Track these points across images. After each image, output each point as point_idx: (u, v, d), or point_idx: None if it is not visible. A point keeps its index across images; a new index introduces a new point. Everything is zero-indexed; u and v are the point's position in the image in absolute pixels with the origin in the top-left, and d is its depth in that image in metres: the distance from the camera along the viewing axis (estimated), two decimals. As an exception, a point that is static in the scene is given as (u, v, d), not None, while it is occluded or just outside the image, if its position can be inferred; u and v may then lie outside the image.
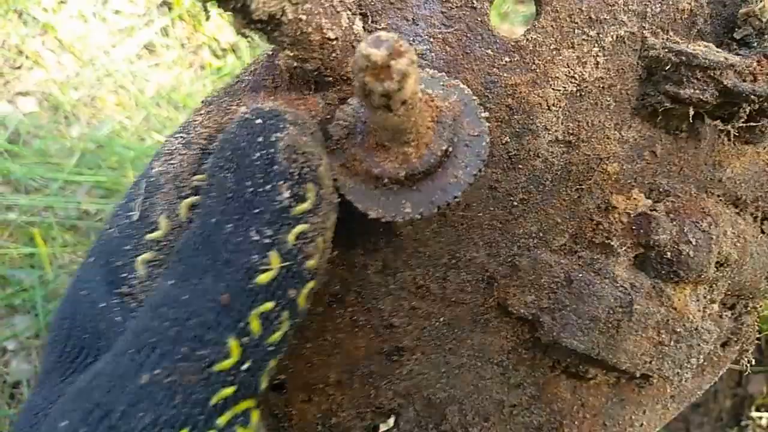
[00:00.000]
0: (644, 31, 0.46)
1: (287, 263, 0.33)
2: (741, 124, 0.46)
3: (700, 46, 0.44)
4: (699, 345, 0.48)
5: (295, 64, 0.41)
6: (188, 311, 0.32)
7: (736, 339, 0.58)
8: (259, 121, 0.35)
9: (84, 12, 1.67)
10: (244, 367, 0.32)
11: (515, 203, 0.47)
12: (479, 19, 0.46)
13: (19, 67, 1.63)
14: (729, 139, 0.49)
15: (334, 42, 0.40)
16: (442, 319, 0.49)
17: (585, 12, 0.46)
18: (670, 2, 0.47)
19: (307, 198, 0.33)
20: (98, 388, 0.31)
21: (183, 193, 0.41)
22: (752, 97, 0.43)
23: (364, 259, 0.47)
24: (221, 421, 0.31)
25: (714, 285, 0.50)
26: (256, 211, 0.33)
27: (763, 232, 0.54)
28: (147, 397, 0.30)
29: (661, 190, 0.49)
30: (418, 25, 0.46)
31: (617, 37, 0.46)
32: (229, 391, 0.31)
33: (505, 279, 0.48)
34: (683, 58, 0.43)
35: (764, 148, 0.51)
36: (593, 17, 0.46)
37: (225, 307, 0.31)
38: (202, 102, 0.49)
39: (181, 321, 0.31)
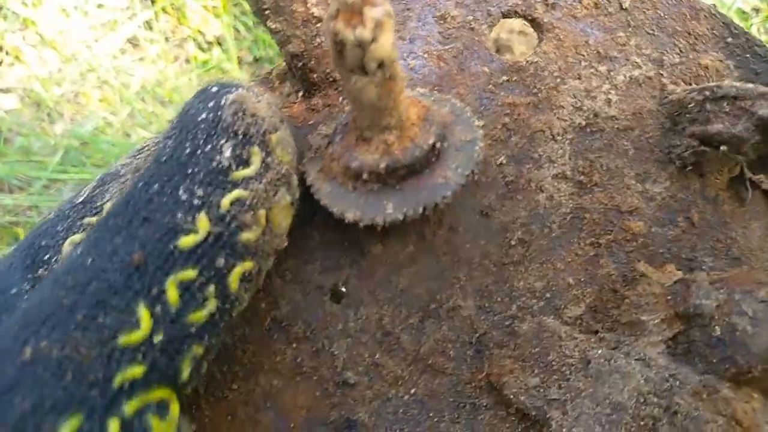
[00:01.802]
0: (662, 78, 0.43)
1: (218, 229, 0.28)
2: None
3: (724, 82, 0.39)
4: None
5: (280, 48, 0.40)
6: (91, 275, 0.26)
7: None
8: (214, 89, 0.32)
9: (65, 6, 1.63)
10: (157, 342, 0.26)
11: (513, 242, 0.40)
12: (476, 38, 0.44)
13: (-1, 63, 1.59)
14: None
15: (317, 24, 0.38)
16: (413, 391, 0.38)
17: (592, 46, 0.44)
18: (690, 56, 0.43)
19: (250, 163, 0.30)
20: None
21: None
22: None
23: (320, 279, 0.39)
24: (128, 408, 0.25)
25: None
26: (190, 170, 0.29)
27: None
28: (29, 378, 0.24)
29: (703, 269, 0.39)
30: (414, 43, 0.44)
31: (631, 78, 0.43)
32: (137, 370, 0.26)
33: (499, 348, 0.38)
34: (707, 93, 0.38)
35: None
36: (602, 53, 0.44)
37: (137, 268, 0.26)
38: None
39: (80, 288, 0.26)
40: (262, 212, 0.30)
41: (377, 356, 0.39)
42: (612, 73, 0.43)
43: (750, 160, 0.39)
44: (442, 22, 0.45)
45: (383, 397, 0.38)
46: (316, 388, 0.39)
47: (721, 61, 0.43)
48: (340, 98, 0.42)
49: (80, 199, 0.37)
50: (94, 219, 0.35)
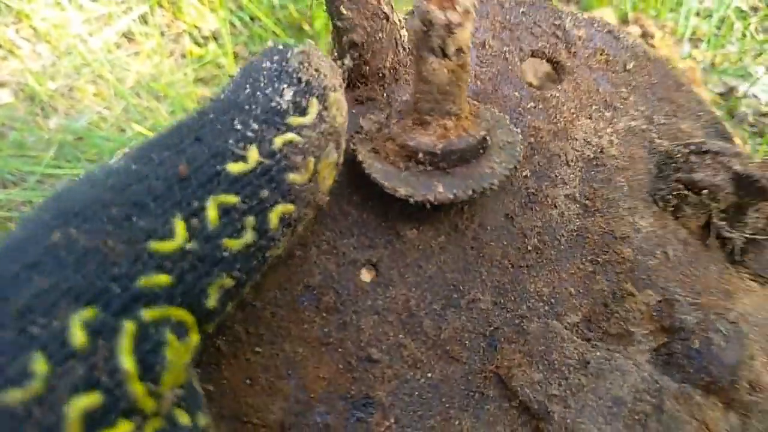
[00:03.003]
0: (652, 133, 0.50)
1: (267, 163, 0.28)
2: (749, 235, 0.45)
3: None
4: None
5: (342, 35, 0.42)
6: (132, 178, 0.25)
7: None
8: (281, 46, 0.33)
9: (60, -1, 1.62)
10: (188, 258, 0.25)
11: (529, 247, 0.44)
12: (510, 67, 0.50)
13: (-7, 57, 1.58)
14: (735, 266, 0.47)
15: (383, 20, 0.41)
16: (430, 375, 0.40)
17: (601, 94, 0.51)
18: (672, 120, 0.51)
19: (308, 112, 0.30)
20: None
21: None
22: (762, 183, 0.41)
23: (354, 254, 0.41)
24: (147, 314, 0.23)
25: (747, 418, 0.40)
26: (247, 107, 0.29)
27: None
28: (51, 259, 0.22)
29: (674, 299, 0.44)
30: None
31: (629, 127, 0.50)
32: (163, 278, 0.24)
33: (510, 344, 0.41)
34: (692, 147, 0.45)
35: None
36: (608, 101, 0.50)
37: (180, 180, 0.26)
38: None
39: (120, 187, 0.25)
40: (311, 160, 0.30)
41: (401, 336, 0.40)
42: (615, 120, 0.50)
43: (718, 211, 0.46)
44: (480, 48, 0.50)
45: (402, 377, 0.40)
46: (339, 360, 0.39)
47: (695, 130, 0.51)
48: (384, 94, 0.46)
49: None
50: None
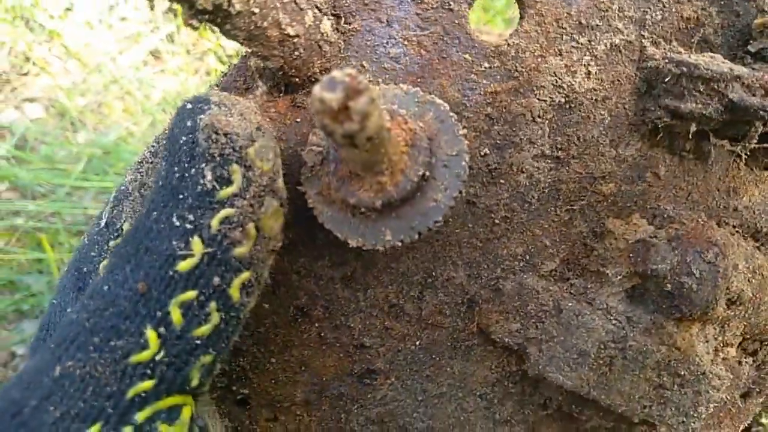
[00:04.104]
0: (643, 40, 0.43)
1: (210, 249, 0.31)
2: (755, 146, 0.41)
3: (704, 56, 0.40)
4: (708, 392, 0.43)
5: (260, 62, 0.40)
6: (106, 302, 0.30)
7: (759, 390, 0.51)
8: (189, 105, 0.34)
9: (90, 19, 1.68)
10: (164, 359, 0.30)
11: (497, 221, 0.44)
12: (456, 21, 0.43)
13: (26, 74, 1.64)
14: (745, 164, 0.45)
15: (296, 39, 0.38)
16: (418, 343, 0.46)
17: (574, 17, 0.42)
18: (673, 9, 0.43)
19: (232, 181, 0.31)
20: (17, 385, 0.30)
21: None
22: (761, 113, 0.38)
23: (331, 272, 0.44)
24: (140, 416, 0.29)
25: (726, 325, 0.45)
26: (180, 196, 0.31)
27: None
28: (59, 390, 0.29)
29: (665, 216, 0.44)
30: (392, 26, 0.43)
31: (611, 46, 0.43)
32: (147, 384, 0.30)
33: (487, 303, 0.44)
34: (684, 69, 0.39)
35: None
36: (583, 23, 0.42)
37: (142, 295, 0.30)
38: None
39: (98, 312, 0.30)
40: (250, 225, 0.32)
41: (386, 323, 0.45)
42: (593, 44, 0.43)
43: (716, 129, 0.42)
44: (419, 1, 0.43)
45: (394, 349, 0.46)
46: (339, 351, 0.46)
47: (703, 9, 0.43)
48: None
49: (103, 223, 0.41)
50: (119, 240, 0.39)
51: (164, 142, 0.34)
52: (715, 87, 0.39)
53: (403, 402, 0.47)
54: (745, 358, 0.49)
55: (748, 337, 0.48)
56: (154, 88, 1.62)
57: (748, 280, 0.44)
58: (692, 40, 0.43)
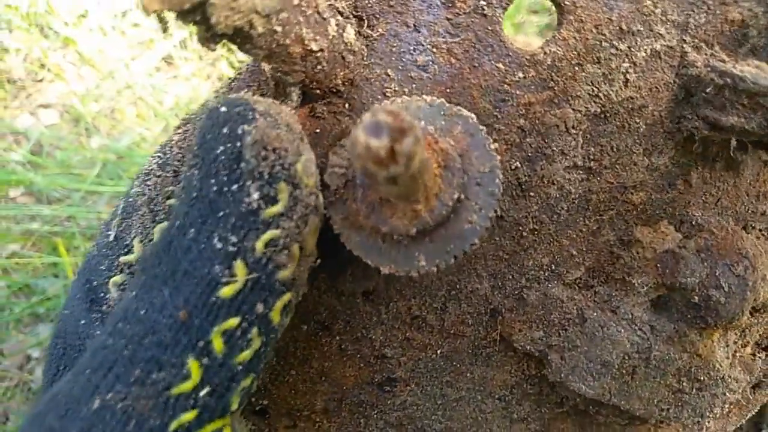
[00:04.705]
0: (684, 45, 0.40)
1: (255, 275, 0.29)
2: None
3: (749, 66, 0.38)
4: (725, 394, 0.43)
5: (276, 78, 0.38)
6: (145, 328, 0.29)
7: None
8: (224, 109, 0.31)
9: (103, 25, 1.70)
10: (206, 390, 0.29)
11: (524, 233, 0.42)
12: (490, 28, 0.40)
13: (40, 80, 1.66)
14: None
15: (319, 54, 0.35)
16: (439, 351, 0.45)
17: (615, 22, 0.40)
18: (718, 12, 0.40)
19: (278, 200, 0.29)
20: (53, 411, 0.29)
21: (157, 217, 0.39)
22: None
23: (353, 287, 0.43)
24: None
25: (747, 331, 0.45)
26: (221, 214, 0.29)
27: None
28: (100, 423, 0.28)
29: (693, 223, 0.43)
30: (419, 32, 0.40)
31: (652, 52, 0.40)
32: (189, 416, 0.29)
33: (510, 312, 0.43)
34: (728, 80, 0.37)
35: None
36: (624, 28, 0.40)
37: (183, 324, 0.28)
38: (181, 120, 0.45)
39: (136, 339, 0.29)
40: (295, 247, 0.30)
41: (408, 333, 0.44)
42: (632, 50, 0.40)
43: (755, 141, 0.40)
44: (450, 5, 0.40)
45: (415, 359, 0.45)
46: (360, 362, 0.45)
47: (750, 10, 0.40)
48: (346, 105, 0.40)
49: (112, 236, 0.40)
50: (129, 257, 0.38)
51: (194, 147, 0.31)
52: (760, 102, 0.37)
53: (422, 406, 0.46)
54: (759, 353, 0.49)
55: (765, 335, 0.48)
56: (166, 94, 1.64)
57: None
58: (740, 47, 0.41)
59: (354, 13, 0.40)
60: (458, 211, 0.34)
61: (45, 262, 1.34)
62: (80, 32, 1.69)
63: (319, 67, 0.36)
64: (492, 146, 0.35)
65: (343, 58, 0.38)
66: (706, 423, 0.44)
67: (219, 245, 0.28)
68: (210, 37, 0.30)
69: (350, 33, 0.38)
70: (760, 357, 0.49)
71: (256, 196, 0.29)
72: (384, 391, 0.46)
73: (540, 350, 0.43)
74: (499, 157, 0.35)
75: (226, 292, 0.28)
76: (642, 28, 0.40)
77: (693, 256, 0.41)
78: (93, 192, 1.45)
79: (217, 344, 0.29)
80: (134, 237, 0.39)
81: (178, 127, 0.44)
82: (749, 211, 0.44)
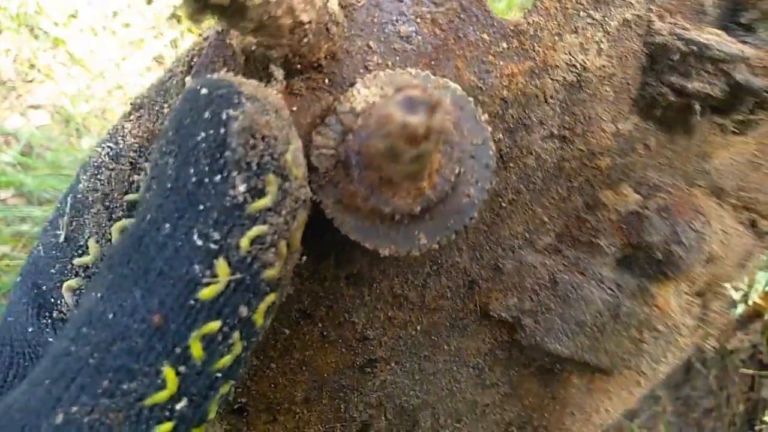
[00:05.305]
0: (651, 14, 0.42)
1: (238, 275, 0.26)
2: (739, 118, 0.43)
3: (711, 34, 0.40)
4: (677, 340, 0.47)
5: (256, 48, 0.35)
6: (113, 334, 0.26)
7: (701, 325, 0.54)
8: (204, 91, 0.28)
9: (94, 26, 1.70)
10: (183, 399, 0.26)
11: (504, 204, 0.43)
12: None
13: (31, 81, 1.65)
14: (721, 131, 0.46)
15: (307, 26, 0.33)
16: (419, 328, 0.45)
17: None
18: None
19: (267, 192, 0.27)
20: (7, 427, 0.26)
21: (114, 214, 0.36)
22: (765, 94, 0.39)
23: (336, 272, 0.42)
24: None
25: (696, 280, 0.48)
26: (201, 207, 0.26)
27: (741, 222, 0.50)
28: None
29: (651, 184, 0.45)
30: (402, 1, 0.39)
31: (623, 21, 0.42)
32: (165, 428, 0.26)
33: (487, 282, 0.44)
34: (693, 47, 0.39)
35: (752, 139, 0.47)
36: None
37: (158, 329, 0.26)
38: (131, 104, 0.42)
39: (104, 346, 0.26)
40: (282, 244, 0.28)
41: (389, 313, 0.44)
42: (606, 19, 0.42)
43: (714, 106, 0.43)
44: None
45: (396, 337, 0.45)
46: (341, 347, 0.44)
47: None
48: (326, 80, 0.38)
49: (61, 238, 0.37)
50: (85, 259, 0.35)
51: (168, 133, 0.28)
52: (723, 68, 0.39)
53: (400, 383, 0.47)
54: (695, 299, 0.52)
55: (705, 284, 0.52)
56: (157, 94, 1.64)
57: (721, 242, 0.46)
58: (699, 16, 0.43)
59: None
60: (456, 186, 0.34)
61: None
62: (70, 32, 1.68)
63: (305, 39, 0.34)
64: (483, 117, 0.35)
65: (328, 29, 0.36)
66: (661, 369, 0.47)
67: (199, 242, 0.26)
68: (201, 8, 0.27)
69: (334, 2, 0.36)
70: (696, 303, 0.52)
71: (242, 188, 0.26)
72: (365, 373, 0.45)
73: (514, 316, 0.44)
74: (490, 129, 0.35)
75: (206, 293, 0.26)
76: None
77: (655, 216, 0.44)
78: (84, 193, 1.45)
79: (196, 350, 0.26)
80: (88, 237, 0.36)
81: (129, 114, 0.40)
82: (695, 170, 0.47)
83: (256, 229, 0.26)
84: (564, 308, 0.44)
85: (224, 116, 0.27)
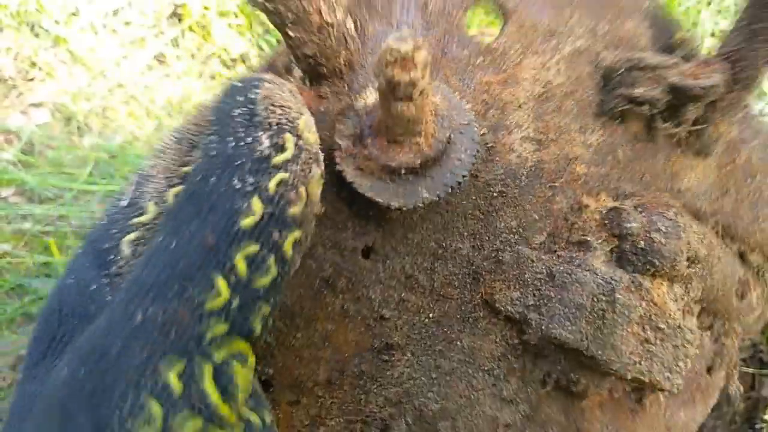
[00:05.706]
0: (597, 46, 0.52)
1: (270, 209, 0.33)
2: (689, 128, 0.50)
3: (645, 54, 0.49)
4: (684, 346, 0.48)
5: (294, 50, 0.45)
6: (177, 255, 0.32)
7: (720, 362, 0.58)
8: (239, 84, 0.37)
9: (95, 24, 1.69)
10: (234, 305, 0.32)
11: (494, 194, 0.48)
12: (455, 23, 0.52)
13: (31, 79, 1.65)
14: (680, 149, 0.52)
15: (330, 29, 0.43)
16: (431, 315, 0.49)
17: (545, 24, 0.52)
18: (617, 22, 0.54)
19: (286, 148, 0.35)
20: (93, 337, 0.32)
21: (172, 182, 0.41)
22: (695, 92, 0.47)
23: (354, 243, 0.48)
24: (218, 356, 0.32)
25: (689, 285, 0.51)
26: (238, 162, 0.34)
27: (731, 253, 0.55)
28: (142, 335, 0.30)
29: (626, 194, 0.50)
30: (401, 29, 0.47)
31: (574, 49, 0.52)
32: (222, 328, 0.32)
33: (489, 274, 0.48)
34: (634, 61, 0.49)
35: (715, 162, 0.54)
36: (552, 29, 0.52)
37: (211, 248, 0.32)
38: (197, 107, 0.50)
39: (170, 266, 0.32)
40: (302, 188, 0.35)
41: (403, 294, 0.48)
42: (560, 46, 0.51)
43: (661, 111, 0.50)
44: (424, 9, 0.52)
45: (410, 323, 0.49)
46: (360, 325, 0.48)
47: (637, 25, 0.54)
48: (345, 86, 0.49)
49: (125, 203, 0.42)
50: (143, 218, 0.40)
51: (211, 118, 0.37)
52: (660, 73, 0.48)
53: (418, 380, 0.49)
54: (705, 332, 0.55)
55: (705, 306, 0.53)
56: (158, 92, 1.63)
57: (701, 241, 0.49)
58: (632, 49, 0.52)
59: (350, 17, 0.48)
60: (449, 152, 0.43)
61: (37, 261, 1.34)
62: (71, 31, 1.68)
63: (329, 41, 0.44)
64: (467, 107, 0.44)
65: (346, 40, 0.46)
66: (676, 379, 0.47)
67: (238, 185, 0.33)
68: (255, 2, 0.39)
69: (351, 24, 0.47)
70: (705, 335, 0.55)
71: (267, 143, 0.34)
72: (383, 360, 0.49)
73: (519, 312, 0.47)
74: (474, 114, 0.44)
75: (246, 222, 0.33)
76: (564, 30, 0.52)
77: (631, 209, 0.48)
78: (85, 191, 1.45)
79: (241, 267, 0.32)
80: (149, 200, 0.41)
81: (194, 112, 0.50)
82: (668, 188, 0.52)
83: (280, 175, 0.34)
84: (562, 294, 0.46)
85: (252, 95, 0.36)
